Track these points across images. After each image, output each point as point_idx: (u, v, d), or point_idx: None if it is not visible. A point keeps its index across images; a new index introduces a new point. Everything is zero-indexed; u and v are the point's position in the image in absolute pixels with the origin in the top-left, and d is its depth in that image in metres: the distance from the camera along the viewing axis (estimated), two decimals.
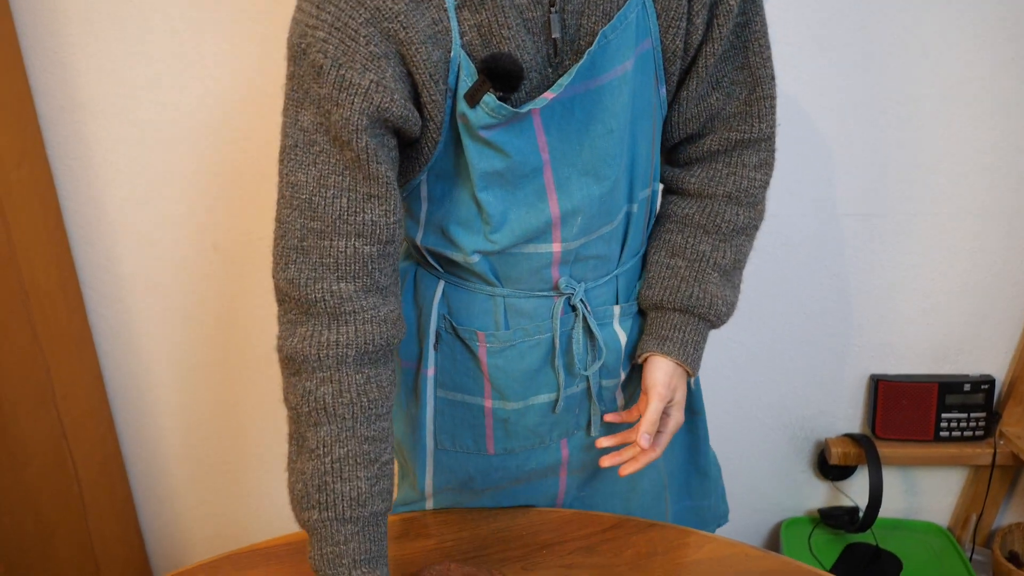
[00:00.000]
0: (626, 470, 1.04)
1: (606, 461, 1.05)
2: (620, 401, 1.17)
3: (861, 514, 1.72)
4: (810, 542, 1.78)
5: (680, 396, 1.08)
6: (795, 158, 1.57)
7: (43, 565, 1.56)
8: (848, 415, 1.78)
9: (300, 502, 0.93)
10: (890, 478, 1.79)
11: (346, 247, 0.90)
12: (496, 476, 1.17)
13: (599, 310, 1.09)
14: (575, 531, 1.16)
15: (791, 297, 1.68)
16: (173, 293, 1.71)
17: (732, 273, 1.11)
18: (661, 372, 1.07)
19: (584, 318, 1.07)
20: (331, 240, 0.90)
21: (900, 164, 1.57)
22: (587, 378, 1.11)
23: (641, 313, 1.14)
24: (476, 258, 1.01)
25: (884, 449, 1.70)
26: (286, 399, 0.95)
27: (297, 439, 0.95)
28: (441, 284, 1.09)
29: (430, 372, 1.12)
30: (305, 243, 0.90)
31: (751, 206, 1.09)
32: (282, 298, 0.94)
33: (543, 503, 1.21)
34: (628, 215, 1.06)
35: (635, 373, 1.16)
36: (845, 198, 1.60)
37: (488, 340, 1.07)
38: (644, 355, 1.09)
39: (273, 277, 0.94)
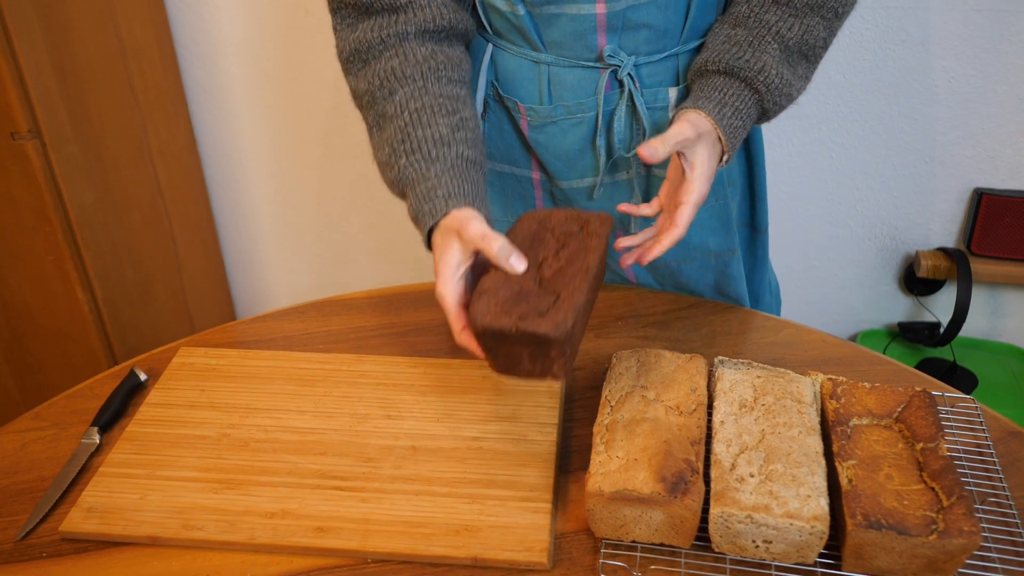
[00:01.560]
0: (646, 257, 0.95)
1: (626, 260, 0.98)
2: None
3: (942, 330, 1.69)
4: (885, 352, 1.77)
5: (704, 164, 0.93)
6: None
7: (143, 310, 1.66)
8: (944, 230, 1.72)
9: (388, 163, 0.93)
10: (978, 297, 1.74)
11: None
12: None
13: (652, 91, 1.02)
14: (651, 307, 1.16)
15: (901, 99, 1.58)
16: (264, 57, 1.71)
17: (797, 56, 0.98)
18: (688, 118, 0.92)
19: (630, 95, 1.01)
20: None
21: None
22: (629, 163, 1.06)
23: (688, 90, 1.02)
24: (521, 9, 0.97)
25: (977, 266, 1.65)
26: (357, 95, 0.96)
27: (376, 121, 0.95)
28: (489, 48, 1.05)
29: None
30: None
31: None
32: (336, 6, 0.94)
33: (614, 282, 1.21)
34: None
35: None
36: None
37: (528, 113, 1.04)
38: (674, 114, 0.97)
39: None
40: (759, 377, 0.91)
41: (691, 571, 0.80)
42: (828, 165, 1.66)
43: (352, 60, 0.95)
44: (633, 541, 0.81)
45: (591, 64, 1.00)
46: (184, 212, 1.78)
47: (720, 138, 0.94)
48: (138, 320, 1.63)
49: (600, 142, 1.04)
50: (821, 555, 0.80)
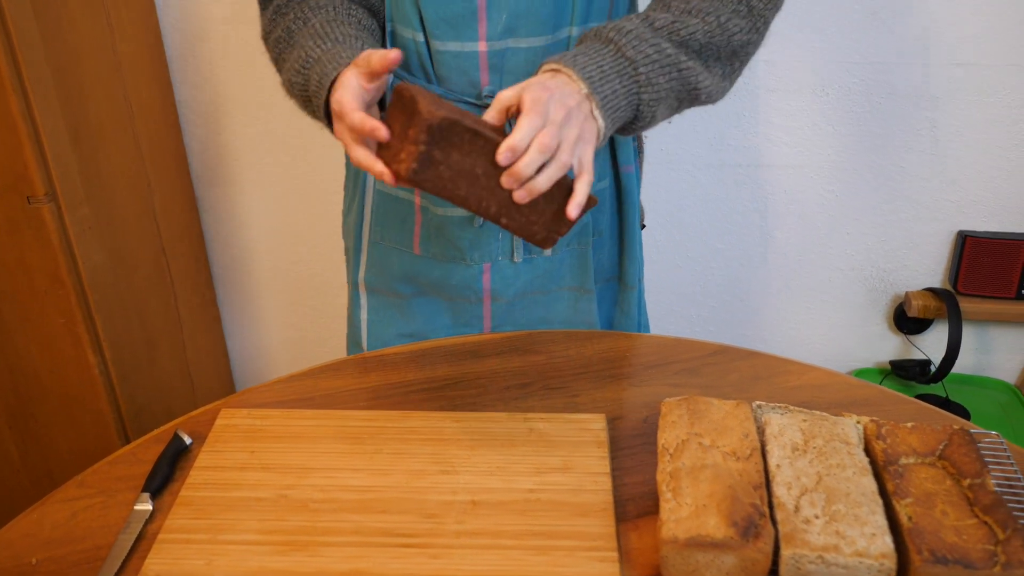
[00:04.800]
0: (519, 195, 0.85)
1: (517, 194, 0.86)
2: None
3: (932, 367, 1.76)
4: None
5: (558, 103, 0.85)
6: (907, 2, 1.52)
7: (149, 371, 1.64)
8: (930, 270, 1.79)
9: (299, 69, 0.99)
10: (965, 334, 1.81)
11: None
12: (421, 280, 1.21)
13: None
14: (680, 355, 1.19)
15: (888, 148, 1.66)
16: (265, 118, 1.72)
17: (662, 32, 0.95)
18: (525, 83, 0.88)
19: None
20: None
21: (1014, 9, 1.52)
22: None
23: None
24: (420, 37, 1.04)
25: (964, 304, 1.72)
26: (272, 37, 1.06)
27: (287, 36, 1.03)
28: (389, 79, 1.09)
29: None
30: None
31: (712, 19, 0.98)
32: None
33: (470, 323, 1.24)
34: (569, 40, 1.04)
35: None
36: (954, 45, 1.56)
37: None
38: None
39: None
40: (805, 421, 0.95)
41: None
42: (821, 212, 1.74)
43: (272, 21, 1.05)
44: None
45: (472, 100, 1.07)
46: (184, 270, 1.78)
47: (575, 80, 0.89)
48: (144, 381, 1.61)
49: None
50: None
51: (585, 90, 0.89)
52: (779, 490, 0.86)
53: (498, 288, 1.20)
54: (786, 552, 0.80)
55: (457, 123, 0.81)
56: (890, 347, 1.90)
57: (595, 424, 1.04)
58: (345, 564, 0.86)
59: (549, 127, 0.83)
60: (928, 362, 1.82)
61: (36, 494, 1.64)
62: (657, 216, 1.75)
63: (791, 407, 1.02)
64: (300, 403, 1.10)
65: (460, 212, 1.13)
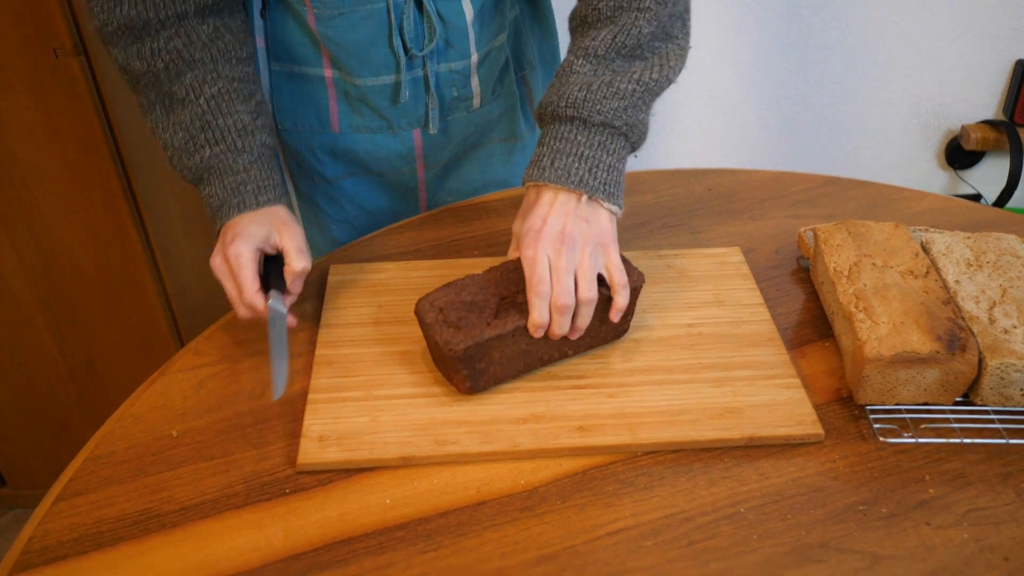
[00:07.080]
0: (572, 336, 0.84)
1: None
2: (475, 87, 1.07)
3: (984, 202, 1.75)
4: None
5: (551, 241, 0.81)
6: None
7: (188, 246, 1.53)
8: (984, 103, 1.76)
9: (185, 148, 0.90)
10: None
11: None
12: (347, 158, 1.10)
13: None
14: (791, 187, 1.15)
15: None
16: None
17: (607, 61, 0.86)
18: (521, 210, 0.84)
19: None
20: None
21: None
22: (423, 63, 1.02)
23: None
24: None
25: (1022, 135, 1.70)
26: (129, 69, 0.90)
27: (162, 99, 0.90)
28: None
29: (260, 43, 1.03)
30: None
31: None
32: None
33: (406, 198, 1.16)
34: None
35: (490, 55, 1.06)
36: None
37: (315, 5, 0.97)
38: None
39: None
40: (968, 238, 0.91)
41: (962, 425, 0.80)
42: (880, 44, 1.67)
43: (122, 33, 0.87)
44: (896, 404, 0.81)
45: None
46: None
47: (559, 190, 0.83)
48: (186, 257, 1.50)
49: (396, 41, 0.99)
50: None
51: (575, 191, 0.83)
52: (967, 304, 0.83)
53: (430, 154, 1.10)
54: (992, 362, 0.77)
55: (480, 341, 0.79)
56: (939, 183, 1.88)
57: (733, 257, 1.00)
58: (521, 409, 0.81)
59: (556, 284, 0.80)
60: (979, 196, 1.82)
61: (76, 385, 1.54)
62: (708, 54, 1.67)
63: (931, 228, 0.99)
64: (409, 255, 1.03)
65: (381, 81, 1.02)
